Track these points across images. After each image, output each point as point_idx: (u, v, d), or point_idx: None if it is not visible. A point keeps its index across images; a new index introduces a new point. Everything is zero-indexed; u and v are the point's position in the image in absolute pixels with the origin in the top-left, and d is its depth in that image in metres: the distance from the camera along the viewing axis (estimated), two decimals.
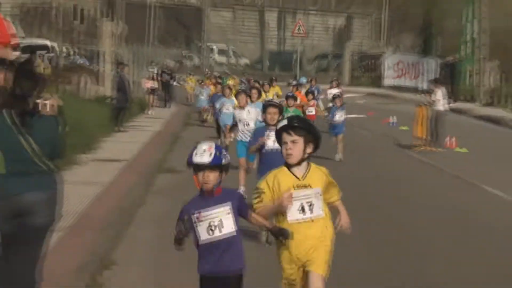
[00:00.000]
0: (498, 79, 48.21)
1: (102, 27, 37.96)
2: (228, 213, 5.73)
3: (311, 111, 23.30)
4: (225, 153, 5.80)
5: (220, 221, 5.70)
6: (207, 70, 52.31)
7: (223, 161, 5.73)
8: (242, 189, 13.35)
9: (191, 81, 40.62)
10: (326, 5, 74.99)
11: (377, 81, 61.11)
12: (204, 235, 5.71)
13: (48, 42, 45.18)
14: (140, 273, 8.95)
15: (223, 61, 71.58)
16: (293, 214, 5.81)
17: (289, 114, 13.52)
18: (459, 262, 9.99)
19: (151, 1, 69.93)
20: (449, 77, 48.80)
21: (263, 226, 5.88)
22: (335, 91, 28.54)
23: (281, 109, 11.17)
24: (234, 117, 15.26)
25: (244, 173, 13.79)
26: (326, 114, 22.07)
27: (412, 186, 16.65)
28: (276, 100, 15.69)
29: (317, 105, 26.23)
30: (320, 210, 5.87)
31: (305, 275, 5.96)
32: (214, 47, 72.81)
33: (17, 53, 6.53)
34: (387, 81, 59.98)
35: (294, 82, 33.41)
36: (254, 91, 16.29)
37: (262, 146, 10.42)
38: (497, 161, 21.24)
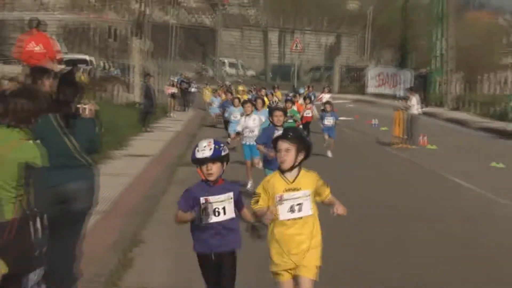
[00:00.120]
0: (463, 88, 48.54)
1: (132, 44, 38.00)
2: (231, 201, 5.67)
3: (308, 113, 23.26)
4: (223, 145, 5.72)
5: (223, 207, 5.65)
6: (219, 81, 52.18)
7: (223, 153, 5.65)
8: (250, 183, 13.30)
9: (208, 91, 40.46)
10: (319, 26, 74.60)
11: (361, 89, 60.86)
12: (211, 218, 5.60)
13: (87, 57, 45.04)
14: (164, 250, 8.94)
15: (233, 72, 71.44)
16: (284, 214, 5.58)
17: (289, 114, 13.63)
18: (436, 249, 9.87)
19: (173, 23, 69.90)
20: (422, 86, 48.71)
21: (248, 222, 5.77)
22: (327, 95, 28.96)
23: (285, 112, 11.21)
24: (239, 124, 14.93)
25: (251, 170, 13.74)
26: (318, 117, 21.97)
27: (391, 176, 16.70)
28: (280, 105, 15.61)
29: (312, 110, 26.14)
30: (309, 210, 5.60)
31: (294, 279, 5.60)
32: (226, 61, 72.59)
33: (61, 66, 6.55)
34: (370, 89, 59.76)
35: (290, 95, 33.28)
36: (259, 101, 15.79)
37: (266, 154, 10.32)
38: (461, 156, 21.33)
